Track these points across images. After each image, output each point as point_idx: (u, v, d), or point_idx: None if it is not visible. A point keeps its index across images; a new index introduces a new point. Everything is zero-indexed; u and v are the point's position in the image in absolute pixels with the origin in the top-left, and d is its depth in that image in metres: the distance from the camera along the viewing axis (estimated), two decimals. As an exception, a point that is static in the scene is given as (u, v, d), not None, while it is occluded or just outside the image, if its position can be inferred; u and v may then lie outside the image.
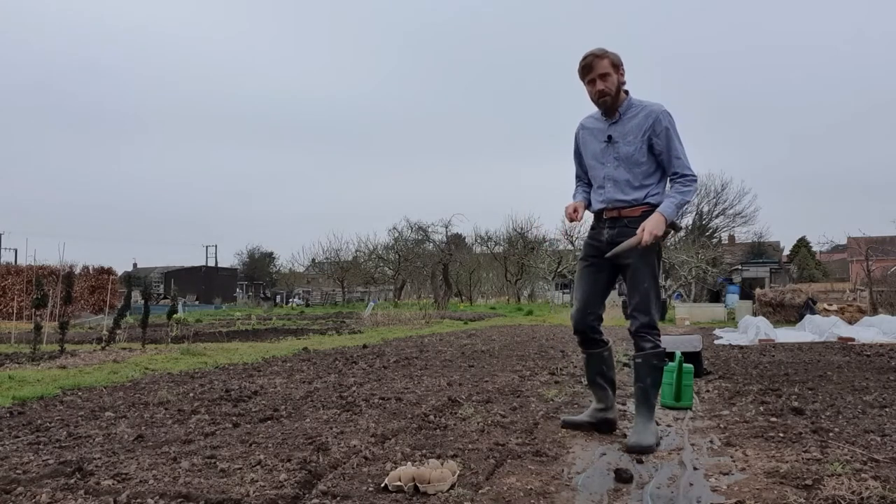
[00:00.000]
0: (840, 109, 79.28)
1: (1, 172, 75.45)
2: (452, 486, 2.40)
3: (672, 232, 3.39)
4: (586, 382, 3.62)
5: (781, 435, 3.23)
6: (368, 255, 43.39)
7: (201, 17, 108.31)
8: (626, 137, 3.24)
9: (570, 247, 36.88)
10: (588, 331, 3.38)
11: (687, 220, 39.48)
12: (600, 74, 3.20)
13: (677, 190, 3.20)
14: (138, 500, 2.27)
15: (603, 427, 3.41)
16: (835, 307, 14.80)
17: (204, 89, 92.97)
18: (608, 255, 3.21)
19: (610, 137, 3.28)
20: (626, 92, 3.31)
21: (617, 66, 3.23)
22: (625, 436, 3.40)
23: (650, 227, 3.07)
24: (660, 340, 3.23)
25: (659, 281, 3.29)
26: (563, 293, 36.55)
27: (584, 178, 3.54)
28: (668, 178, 3.27)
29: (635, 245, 3.12)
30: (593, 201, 3.40)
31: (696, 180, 3.24)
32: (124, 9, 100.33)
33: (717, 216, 39.82)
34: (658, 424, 3.69)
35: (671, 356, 4.51)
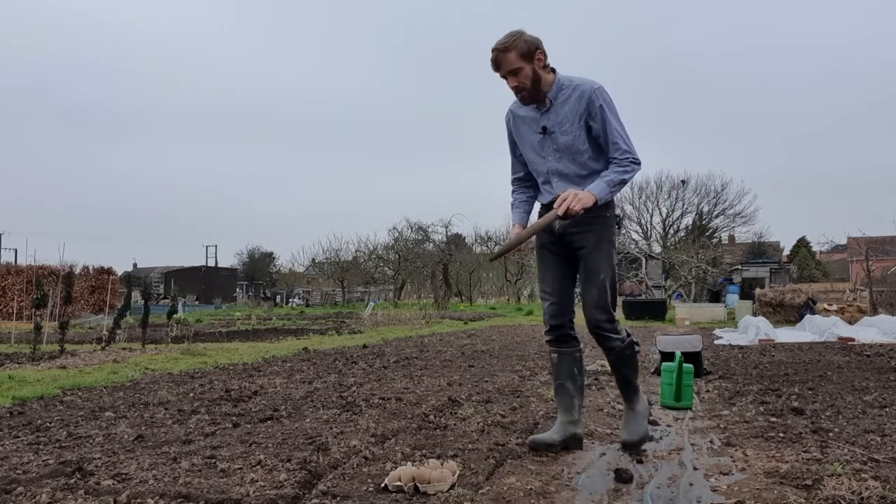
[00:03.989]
0: (840, 109, 79.34)
1: (1, 172, 75.50)
2: (452, 486, 2.40)
3: (615, 218, 3.06)
4: (553, 390, 3.26)
5: (781, 435, 3.23)
6: (368, 255, 43.36)
7: (200, 17, 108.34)
8: (562, 126, 2.94)
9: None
10: (566, 326, 3.09)
11: (687, 220, 39.57)
12: (510, 71, 2.89)
13: (612, 169, 2.89)
14: (138, 500, 2.27)
15: (572, 444, 3.05)
16: (835, 307, 14.79)
17: (203, 88, 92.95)
18: (505, 245, 3.07)
19: (545, 128, 2.98)
20: (554, 70, 2.97)
21: (528, 54, 2.87)
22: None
23: (583, 199, 2.78)
24: (624, 331, 3.04)
25: (616, 271, 3.05)
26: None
27: (522, 174, 3.23)
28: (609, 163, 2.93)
29: (552, 220, 2.86)
30: (543, 194, 3.14)
31: (636, 162, 2.89)
32: (123, 9, 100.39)
33: (717, 216, 39.84)
34: (658, 424, 3.69)
35: (671, 356, 4.51)
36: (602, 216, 2.95)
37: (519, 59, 2.87)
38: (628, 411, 3.12)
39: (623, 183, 2.90)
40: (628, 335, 3.05)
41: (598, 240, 2.96)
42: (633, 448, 2.96)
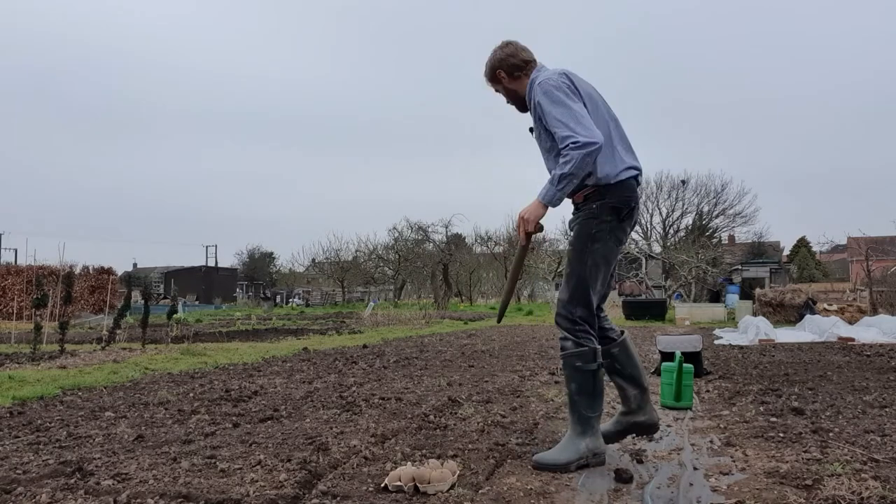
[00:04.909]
0: (840, 109, 79.33)
1: (1, 173, 75.52)
2: (452, 486, 2.40)
3: (608, 210, 2.82)
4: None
5: (781, 435, 3.23)
6: (368, 255, 43.38)
7: (201, 16, 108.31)
8: (534, 126, 2.98)
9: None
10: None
11: (687, 220, 39.59)
12: (495, 91, 3.10)
13: (558, 164, 2.69)
14: (138, 500, 2.27)
15: (638, 431, 3.05)
16: (835, 307, 14.80)
17: (203, 88, 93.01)
18: (502, 305, 3.21)
19: (531, 129, 3.03)
20: (534, 70, 2.98)
21: (493, 77, 3.03)
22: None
23: (523, 213, 2.75)
24: (587, 339, 2.80)
25: (592, 269, 2.81)
26: (563, 293, 36.51)
27: None
28: None
29: (524, 252, 2.92)
30: None
31: (576, 146, 2.61)
32: (122, 8, 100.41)
33: (717, 216, 39.84)
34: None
35: (671, 356, 4.52)
36: (587, 208, 2.83)
37: (489, 83, 3.07)
38: (565, 436, 2.86)
39: (566, 176, 2.64)
40: (593, 350, 2.80)
41: (576, 234, 2.88)
42: (537, 467, 2.72)
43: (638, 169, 2.89)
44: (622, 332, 3.04)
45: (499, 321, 3.50)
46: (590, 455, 2.76)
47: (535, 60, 3.00)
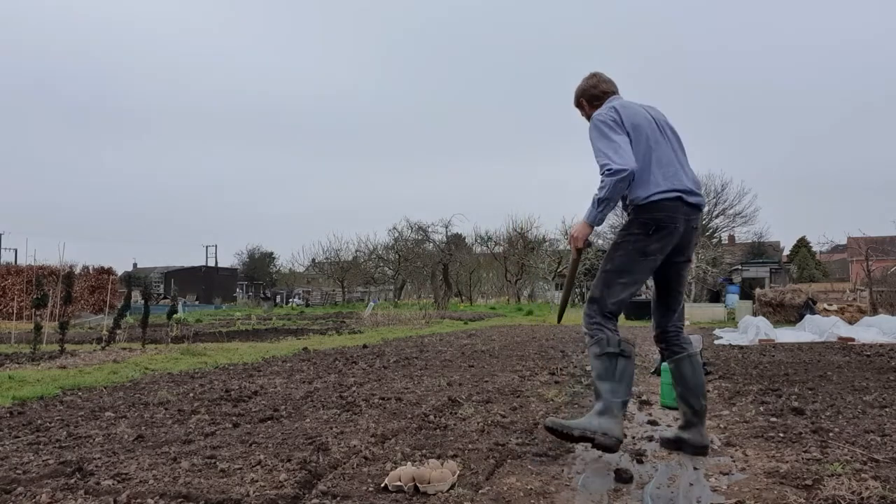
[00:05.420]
0: (840, 109, 79.31)
1: (1, 172, 75.49)
2: (452, 486, 2.40)
3: (638, 224, 3.05)
4: None
5: (781, 435, 3.23)
6: (368, 255, 43.40)
7: (200, 16, 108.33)
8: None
9: (569, 247, 36.87)
10: (659, 335, 3.35)
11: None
12: (580, 114, 3.44)
13: (597, 190, 3.01)
14: (138, 500, 2.27)
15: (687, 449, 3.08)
16: (835, 307, 14.80)
17: (203, 88, 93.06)
18: (561, 304, 3.56)
19: None
20: (607, 100, 3.30)
21: (577, 104, 3.40)
22: (624, 435, 3.40)
23: (572, 232, 3.14)
24: (599, 330, 2.96)
25: (611, 273, 3.03)
26: (563, 293, 36.55)
27: None
28: None
29: (577, 262, 3.26)
30: None
31: (609, 172, 2.90)
32: (124, 7, 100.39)
33: (717, 216, 39.76)
34: (657, 424, 3.70)
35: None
36: (625, 225, 3.12)
37: (576, 108, 3.43)
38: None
39: (602, 200, 2.95)
40: (608, 338, 2.93)
41: (615, 238, 3.16)
42: (547, 427, 2.94)
43: (678, 190, 3.02)
44: (680, 352, 3.22)
45: (558, 321, 3.86)
46: (599, 433, 2.80)
47: (613, 92, 3.32)
